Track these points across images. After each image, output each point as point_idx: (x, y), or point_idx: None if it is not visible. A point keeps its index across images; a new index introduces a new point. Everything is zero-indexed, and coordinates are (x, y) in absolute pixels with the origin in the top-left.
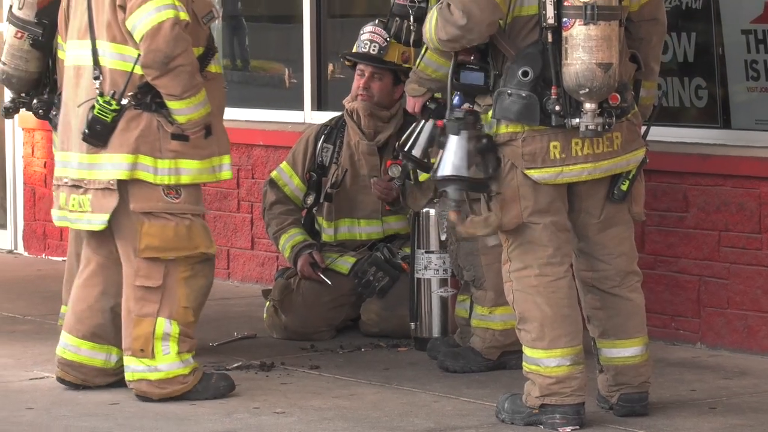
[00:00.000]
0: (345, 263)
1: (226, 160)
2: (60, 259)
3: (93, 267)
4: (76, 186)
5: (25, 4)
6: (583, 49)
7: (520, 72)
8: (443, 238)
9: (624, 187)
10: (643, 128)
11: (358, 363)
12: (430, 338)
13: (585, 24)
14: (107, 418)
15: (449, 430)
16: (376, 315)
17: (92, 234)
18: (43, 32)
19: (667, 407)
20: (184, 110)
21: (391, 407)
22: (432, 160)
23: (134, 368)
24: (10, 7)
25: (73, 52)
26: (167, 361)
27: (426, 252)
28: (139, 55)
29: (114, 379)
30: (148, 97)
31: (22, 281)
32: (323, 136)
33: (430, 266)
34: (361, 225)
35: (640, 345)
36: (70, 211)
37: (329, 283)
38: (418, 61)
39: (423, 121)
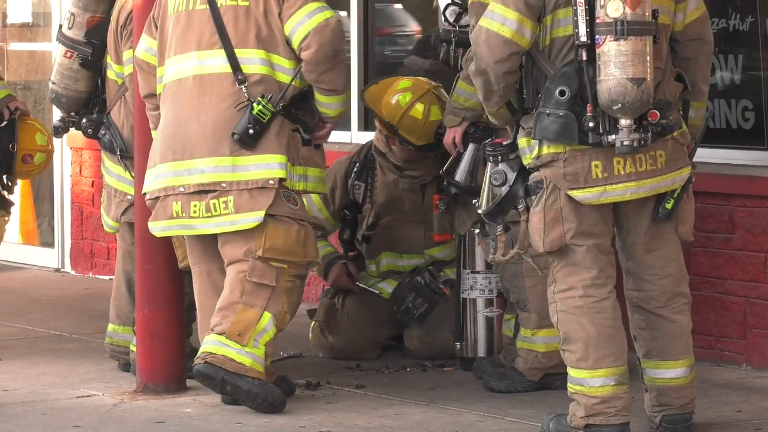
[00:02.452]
0: (387, 286)
1: (323, 173)
2: (107, 277)
3: (205, 278)
4: (203, 191)
5: (75, 24)
6: (615, 65)
7: (557, 91)
8: (488, 259)
9: (669, 206)
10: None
11: (404, 383)
12: (475, 358)
13: (616, 40)
14: None
15: None
16: (419, 341)
17: (197, 243)
18: (92, 52)
19: (713, 428)
20: (338, 105)
21: (437, 427)
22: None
23: (223, 345)
24: (60, 26)
25: (190, 63)
26: (255, 353)
27: (472, 272)
28: (298, 64)
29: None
30: (293, 107)
31: (69, 300)
32: (354, 174)
33: (476, 286)
34: (404, 258)
35: (683, 367)
36: (192, 217)
37: (376, 292)
38: (451, 92)
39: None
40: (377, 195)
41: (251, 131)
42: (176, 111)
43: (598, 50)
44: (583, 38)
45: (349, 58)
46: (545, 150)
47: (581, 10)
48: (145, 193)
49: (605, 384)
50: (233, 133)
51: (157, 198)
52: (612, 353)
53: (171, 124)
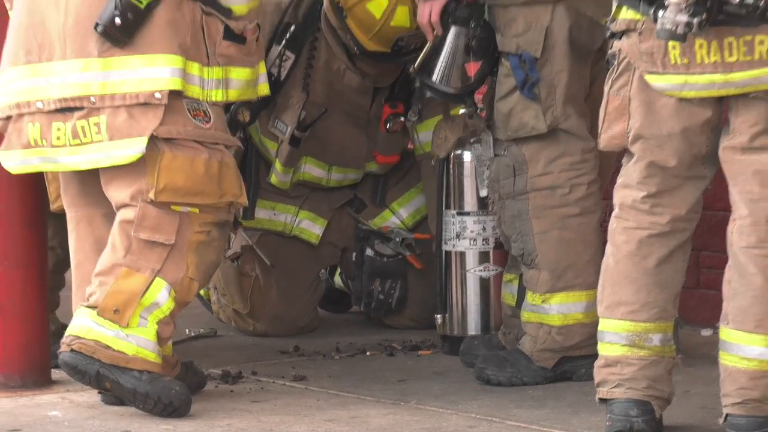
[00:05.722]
0: (312, 227)
1: (263, 68)
2: None
3: (84, 227)
4: (68, 109)
5: None
6: None
7: None
8: (483, 193)
9: None
10: None
11: (362, 372)
12: (464, 337)
13: None
14: None
15: None
16: (412, 321)
17: (73, 178)
18: None
19: None
20: None
21: None
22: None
23: (95, 326)
24: None
25: None
26: (142, 336)
27: (459, 214)
28: None
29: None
30: None
31: None
32: (286, 40)
33: (464, 234)
34: (333, 172)
35: (760, 345)
36: (55, 146)
37: (268, 263)
38: None
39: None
40: (314, 82)
41: (119, 20)
42: None
43: None
44: None
45: None
46: (623, 14)
47: None
48: None
49: (613, 341)
50: (96, 24)
51: (9, 118)
52: (630, 301)
53: (24, 11)
